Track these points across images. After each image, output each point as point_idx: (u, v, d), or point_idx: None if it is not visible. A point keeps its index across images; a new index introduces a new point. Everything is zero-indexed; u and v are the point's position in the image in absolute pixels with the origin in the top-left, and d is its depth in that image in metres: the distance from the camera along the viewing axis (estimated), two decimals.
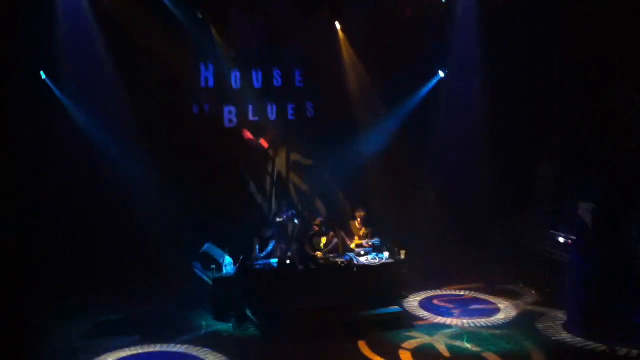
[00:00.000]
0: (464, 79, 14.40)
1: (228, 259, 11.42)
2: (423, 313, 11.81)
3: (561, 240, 12.65)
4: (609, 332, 10.78)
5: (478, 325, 11.24)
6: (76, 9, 12.09)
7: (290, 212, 13.50)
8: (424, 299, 12.52)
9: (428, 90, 14.71)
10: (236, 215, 13.29)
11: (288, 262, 11.37)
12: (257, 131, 14.05)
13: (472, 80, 14.34)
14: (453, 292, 12.91)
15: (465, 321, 11.35)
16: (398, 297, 12.10)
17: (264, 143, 14.13)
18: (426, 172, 14.97)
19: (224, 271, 11.34)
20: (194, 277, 12.02)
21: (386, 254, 12.10)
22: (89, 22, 12.26)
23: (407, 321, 11.33)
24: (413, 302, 12.31)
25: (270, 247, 12.06)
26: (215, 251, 11.68)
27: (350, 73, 14.23)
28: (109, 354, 9.96)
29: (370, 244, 12.25)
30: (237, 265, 11.28)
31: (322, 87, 14.18)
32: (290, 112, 14.09)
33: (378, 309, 11.38)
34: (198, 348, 10.19)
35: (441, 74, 14.66)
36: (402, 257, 12.16)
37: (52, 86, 12.15)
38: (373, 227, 12.70)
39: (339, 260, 11.88)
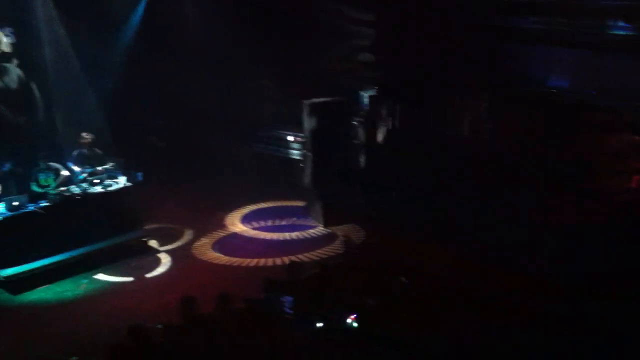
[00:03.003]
0: None
1: None
2: None
3: (290, 138, 13.46)
4: None
5: None
6: None
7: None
8: None
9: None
10: None
11: (16, 203, 10.48)
12: None
13: None
14: None
15: None
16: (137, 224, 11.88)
17: None
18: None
19: None
20: None
21: (123, 178, 11.73)
22: None
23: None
24: None
25: None
26: None
27: None
28: None
29: (103, 169, 11.72)
30: None
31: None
32: None
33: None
34: None
35: None
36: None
37: None
38: (105, 151, 12.10)
39: (72, 193, 11.19)
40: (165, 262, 11.21)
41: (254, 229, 12.46)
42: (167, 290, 9.90)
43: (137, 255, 11.32)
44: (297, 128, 13.31)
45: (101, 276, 10.66)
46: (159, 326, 7.27)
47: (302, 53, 13.41)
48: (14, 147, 12.14)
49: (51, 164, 11.41)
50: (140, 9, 13.91)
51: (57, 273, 10.52)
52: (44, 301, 9.95)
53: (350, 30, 13.02)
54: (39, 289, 10.20)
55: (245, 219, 12.91)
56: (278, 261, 11.01)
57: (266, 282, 7.83)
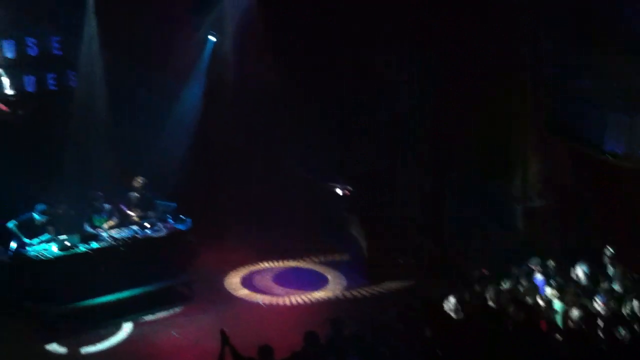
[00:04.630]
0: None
1: None
2: None
3: (339, 191, 13.42)
4: None
5: None
6: None
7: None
8: None
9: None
10: None
11: (68, 243, 10.59)
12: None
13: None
14: None
15: None
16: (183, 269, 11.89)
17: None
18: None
19: None
20: None
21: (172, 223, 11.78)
22: None
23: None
24: None
25: (44, 237, 11.06)
26: None
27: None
28: None
29: (154, 214, 11.80)
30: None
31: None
32: (50, 82, 12.86)
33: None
34: None
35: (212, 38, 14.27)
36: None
37: None
38: (154, 195, 12.21)
39: (123, 236, 11.27)
40: (206, 309, 11.18)
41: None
42: (205, 338, 9.84)
43: (181, 301, 11.31)
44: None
45: (144, 320, 10.72)
46: None
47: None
48: (68, 187, 12.36)
49: (105, 205, 11.57)
50: (206, 57, 14.24)
51: (103, 314, 10.58)
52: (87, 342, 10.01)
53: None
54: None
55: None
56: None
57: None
